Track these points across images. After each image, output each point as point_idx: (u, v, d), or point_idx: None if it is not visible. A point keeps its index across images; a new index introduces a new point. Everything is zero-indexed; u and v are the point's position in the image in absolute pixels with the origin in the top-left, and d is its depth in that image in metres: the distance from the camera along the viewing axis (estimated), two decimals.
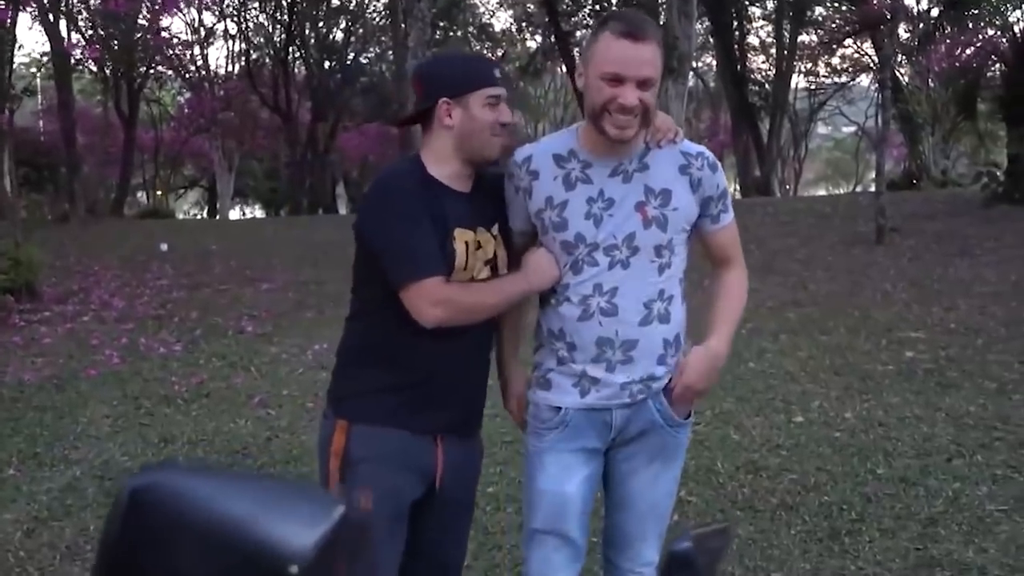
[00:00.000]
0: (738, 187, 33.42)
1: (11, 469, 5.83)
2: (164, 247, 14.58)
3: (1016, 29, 20.28)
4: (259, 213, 39.22)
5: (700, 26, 30.08)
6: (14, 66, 23.94)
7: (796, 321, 9.38)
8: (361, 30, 31.84)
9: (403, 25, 11.16)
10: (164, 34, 27.07)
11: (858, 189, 43.58)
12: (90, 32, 22.95)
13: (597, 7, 25.68)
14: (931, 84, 29.53)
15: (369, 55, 33.73)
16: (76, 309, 10.35)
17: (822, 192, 48.95)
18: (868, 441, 5.99)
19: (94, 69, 27.04)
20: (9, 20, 21.11)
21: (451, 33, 30.01)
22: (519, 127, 38.86)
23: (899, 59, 29.35)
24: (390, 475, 2.72)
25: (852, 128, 45.45)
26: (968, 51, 24.06)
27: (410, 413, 2.74)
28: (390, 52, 26.68)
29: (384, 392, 2.76)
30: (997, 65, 21.21)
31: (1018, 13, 21.91)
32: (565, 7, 23.78)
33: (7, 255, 10.60)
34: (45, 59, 23.10)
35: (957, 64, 23.94)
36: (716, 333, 2.90)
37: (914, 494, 5.16)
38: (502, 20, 36.37)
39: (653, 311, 2.80)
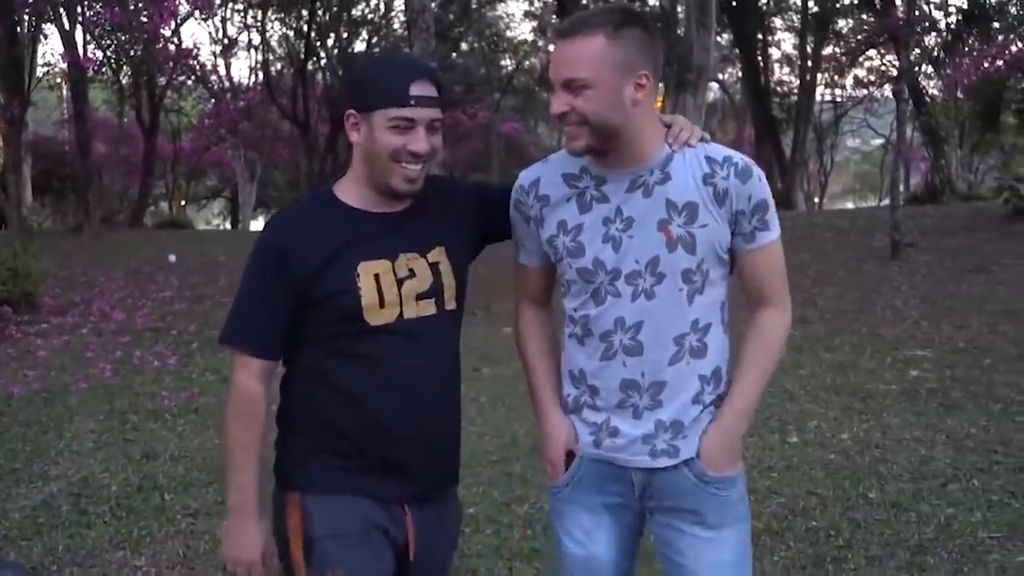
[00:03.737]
0: None
1: None
2: (172, 258, 14.57)
3: None
4: None
5: (724, 39, 29.98)
6: (37, 74, 24.23)
7: (801, 338, 9.23)
8: (384, 43, 31.89)
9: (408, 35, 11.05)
10: (186, 45, 27.34)
11: (884, 203, 43.35)
12: (106, 42, 23.07)
13: None
14: (959, 96, 29.26)
15: None
16: (75, 321, 10.33)
17: (849, 205, 48.70)
18: (863, 464, 5.87)
19: (114, 79, 27.16)
20: (29, 31, 21.41)
21: (463, 44, 30.04)
22: (538, 138, 38.81)
23: (925, 71, 29.14)
24: (359, 549, 2.41)
25: (880, 140, 45.21)
26: (994, 63, 23.84)
27: (370, 480, 2.43)
28: None
29: (336, 456, 2.44)
30: (1023, 78, 21.01)
31: None
32: None
33: (5, 265, 10.54)
34: (62, 68, 23.23)
35: (981, 77, 23.71)
36: (730, 405, 2.47)
37: (905, 520, 5.04)
38: (523, 31, 36.48)
39: (684, 346, 2.43)
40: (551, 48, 2.41)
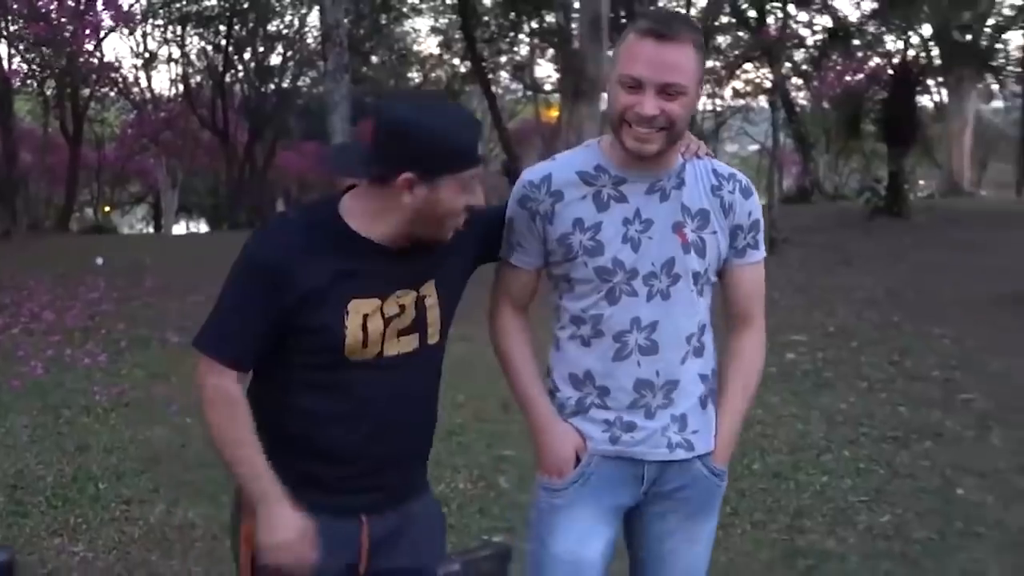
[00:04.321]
0: None
1: None
2: (100, 261, 14.15)
3: (894, 60, 20.68)
4: (204, 228, 38.58)
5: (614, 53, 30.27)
6: None
7: None
8: (298, 56, 31.51)
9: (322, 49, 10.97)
10: (108, 58, 26.74)
11: (761, 203, 44.05)
12: (31, 55, 22.36)
13: (512, 34, 25.76)
14: (825, 106, 29.97)
15: (306, 79, 33.34)
16: (5, 322, 9.98)
17: None
18: (747, 439, 5.96)
19: (39, 91, 26.45)
20: None
21: (373, 57, 29.88)
22: None
23: (796, 83, 29.76)
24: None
25: (756, 146, 46.07)
26: (855, 77, 24.55)
27: (324, 495, 2.23)
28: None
29: (292, 471, 2.21)
30: (879, 90, 21.67)
31: (899, 43, 22.33)
32: (482, 35, 23.76)
33: None
34: None
35: (844, 89, 24.39)
36: (723, 425, 2.41)
37: (785, 488, 5.19)
38: (430, 45, 36.46)
39: (691, 346, 2.33)
40: (635, 45, 2.17)
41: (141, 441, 6.23)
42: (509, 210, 2.39)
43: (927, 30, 20.37)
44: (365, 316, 2.17)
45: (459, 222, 2.17)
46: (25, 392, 7.45)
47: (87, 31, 12.03)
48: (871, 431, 6.11)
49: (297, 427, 2.23)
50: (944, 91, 29.72)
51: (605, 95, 2.45)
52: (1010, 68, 28.92)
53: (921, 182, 24.17)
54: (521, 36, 27.39)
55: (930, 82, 27.76)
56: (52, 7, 11.90)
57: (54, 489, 5.38)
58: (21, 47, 21.00)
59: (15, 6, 12.12)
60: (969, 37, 24.01)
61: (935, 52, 22.59)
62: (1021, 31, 26.44)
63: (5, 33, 18.58)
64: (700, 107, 34.66)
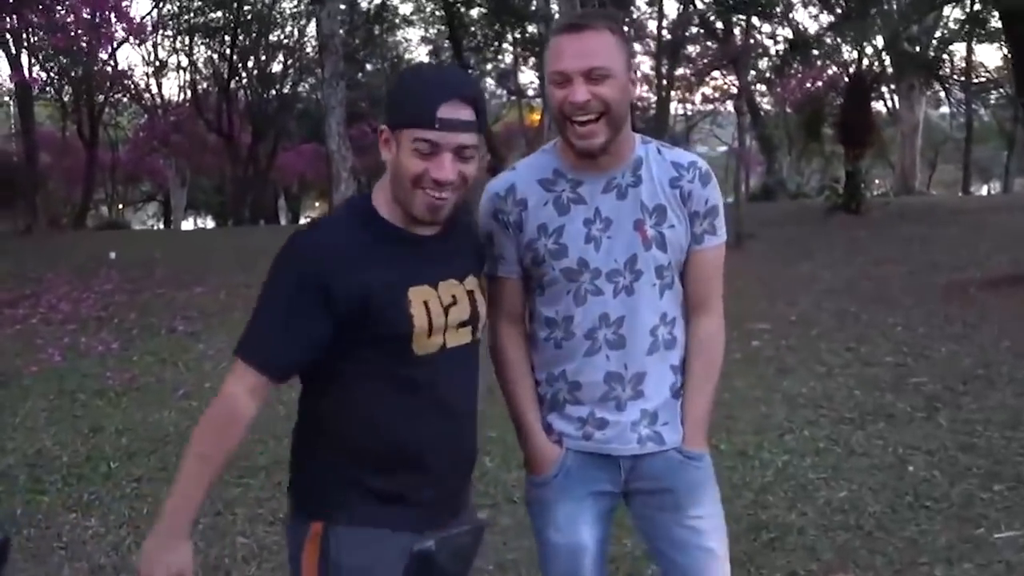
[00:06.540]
0: None
1: None
2: (113, 255, 14.03)
3: (851, 68, 20.71)
4: (211, 224, 38.38)
5: None
6: None
7: None
8: (298, 63, 31.40)
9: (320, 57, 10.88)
10: (121, 67, 26.72)
11: (729, 200, 44.08)
12: (50, 64, 22.21)
13: (496, 43, 25.71)
14: (788, 111, 30.00)
15: (305, 85, 33.23)
16: (25, 312, 9.88)
17: None
18: (714, 421, 5.91)
19: (57, 97, 26.36)
20: None
21: (368, 65, 29.76)
22: None
23: (760, 89, 29.76)
24: None
25: (724, 148, 46.14)
26: (815, 84, 24.59)
27: (398, 508, 2.00)
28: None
29: (371, 486, 1.99)
30: (837, 96, 21.71)
31: (855, 53, 22.31)
32: (468, 43, 23.71)
33: None
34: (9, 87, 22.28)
35: (805, 95, 24.41)
36: (693, 411, 2.29)
37: (750, 466, 5.17)
38: (420, 54, 36.28)
39: (659, 338, 2.23)
40: (555, 44, 2.10)
41: (151, 423, 6.19)
42: (484, 225, 2.28)
43: (879, 41, 20.34)
44: (426, 303, 2.00)
45: (431, 197, 1.95)
46: (43, 377, 7.39)
47: (102, 42, 11.92)
48: (829, 413, 6.08)
49: (366, 433, 2.01)
50: (896, 97, 29.86)
51: None
52: (955, 77, 29.01)
53: (876, 181, 24.20)
54: (505, 45, 27.34)
55: (883, 89, 27.87)
56: (70, 20, 11.77)
57: (69, 467, 5.35)
58: (41, 56, 20.89)
59: (35, 19, 11.98)
60: (918, 48, 24.04)
61: (887, 61, 22.57)
62: (964, 43, 26.31)
63: (26, 44, 18.40)
64: (672, 111, 34.75)
